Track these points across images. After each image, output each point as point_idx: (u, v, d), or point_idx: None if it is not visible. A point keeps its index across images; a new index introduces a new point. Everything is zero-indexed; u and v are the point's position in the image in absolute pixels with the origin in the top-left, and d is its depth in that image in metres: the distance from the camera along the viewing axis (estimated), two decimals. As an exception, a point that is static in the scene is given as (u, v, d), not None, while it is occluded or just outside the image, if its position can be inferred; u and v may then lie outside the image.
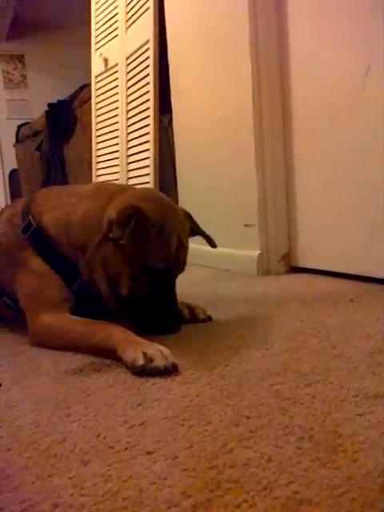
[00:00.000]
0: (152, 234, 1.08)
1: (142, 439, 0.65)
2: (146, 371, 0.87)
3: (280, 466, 0.57)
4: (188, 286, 1.38)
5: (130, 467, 0.59)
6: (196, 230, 1.29)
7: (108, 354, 0.98)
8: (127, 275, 1.10)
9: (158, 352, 0.89)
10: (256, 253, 1.96)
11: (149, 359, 0.88)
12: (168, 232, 1.11)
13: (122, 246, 1.08)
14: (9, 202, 5.83)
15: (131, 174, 2.92)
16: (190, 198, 2.46)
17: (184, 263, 1.19)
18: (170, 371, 0.87)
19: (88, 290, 1.18)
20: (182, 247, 1.15)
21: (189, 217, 1.27)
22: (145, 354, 0.88)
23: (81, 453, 0.63)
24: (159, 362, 0.87)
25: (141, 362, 0.88)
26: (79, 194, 1.24)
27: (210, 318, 1.24)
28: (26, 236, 1.20)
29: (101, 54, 3.28)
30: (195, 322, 1.22)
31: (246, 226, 2.01)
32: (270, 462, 0.58)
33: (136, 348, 0.91)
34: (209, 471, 0.57)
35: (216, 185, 2.23)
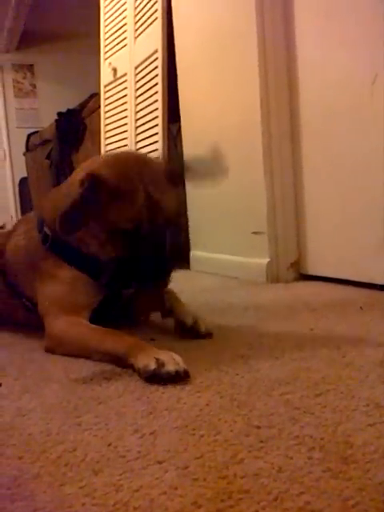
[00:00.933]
0: (106, 195, 1.07)
1: (152, 449, 0.66)
2: (157, 376, 0.88)
3: (291, 476, 0.57)
4: (197, 294, 1.38)
5: (140, 477, 0.59)
6: (191, 176, 1.26)
7: (119, 361, 0.98)
8: (105, 237, 1.13)
9: (170, 358, 0.90)
10: (265, 260, 1.95)
11: (161, 364, 0.88)
12: (129, 190, 1.08)
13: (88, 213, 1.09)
14: (19, 209, 5.89)
15: (140, 182, 2.94)
16: (198, 206, 2.47)
17: (167, 220, 1.14)
18: (181, 377, 0.87)
19: (116, 283, 1.19)
20: (157, 205, 1.10)
21: (180, 168, 1.24)
22: (157, 360, 0.89)
23: (92, 462, 0.63)
24: (171, 367, 0.88)
25: (152, 366, 0.88)
26: (66, 184, 1.26)
27: (210, 335, 1.18)
28: (47, 247, 1.23)
29: (110, 63, 3.31)
30: (195, 334, 1.17)
31: (255, 233, 2.02)
32: (280, 472, 0.58)
33: (148, 354, 0.92)
34: (219, 481, 0.57)
35: (224, 192, 2.24)
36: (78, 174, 1.20)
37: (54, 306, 1.18)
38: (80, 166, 1.30)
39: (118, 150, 1.29)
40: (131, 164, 1.14)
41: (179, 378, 0.87)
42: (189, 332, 1.18)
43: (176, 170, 1.24)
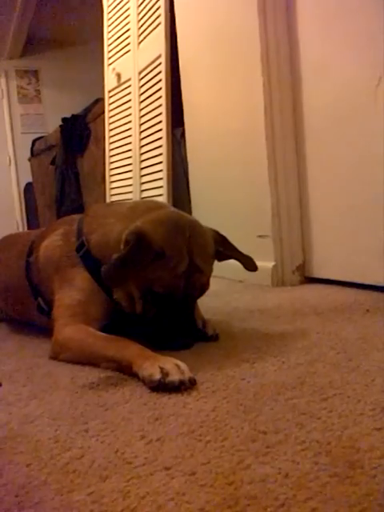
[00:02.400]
0: (149, 257, 1.08)
1: (159, 455, 0.66)
2: (162, 386, 0.87)
3: (298, 481, 0.57)
4: (202, 297, 1.38)
5: (148, 483, 0.59)
6: (228, 254, 1.25)
7: (124, 369, 0.98)
8: (137, 295, 1.13)
9: (175, 367, 0.89)
10: (270, 264, 1.95)
11: (165, 374, 0.88)
12: (173, 256, 1.09)
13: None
14: (24, 214, 5.92)
15: (144, 186, 2.95)
16: (203, 210, 2.47)
17: (201, 288, 1.17)
18: (187, 386, 0.87)
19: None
20: (197, 272, 1.13)
21: (221, 240, 1.23)
22: (162, 369, 0.89)
23: (99, 468, 0.64)
24: (175, 377, 0.88)
25: (157, 376, 0.88)
26: (117, 213, 1.26)
27: (216, 337, 1.20)
28: (80, 255, 1.24)
29: (114, 69, 3.33)
30: (202, 336, 1.19)
31: (260, 237, 2.02)
32: (287, 477, 0.58)
33: (153, 363, 0.91)
34: (226, 487, 0.57)
35: (229, 196, 2.24)
36: (129, 216, 1.19)
37: (68, 312, 1.19)
38: (133, 205, 1.29)
39: (171, 210, 1.27)
40: (182, 229, 1.13)
41: (184, 386, 0.87)
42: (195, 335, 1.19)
43: (221, 238, 1.23)
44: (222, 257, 1.24)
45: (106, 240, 1.21)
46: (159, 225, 1.13)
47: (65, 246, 1.29)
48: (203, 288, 1.18)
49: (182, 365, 0.90)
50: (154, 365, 0.90)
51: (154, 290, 1.11)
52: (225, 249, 1.24)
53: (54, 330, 1.18)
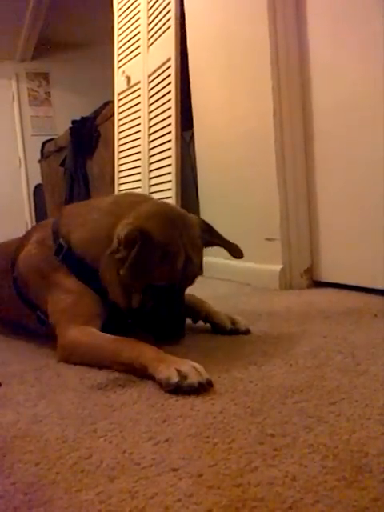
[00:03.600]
0: (156, 256, 1.11)
1: (167, 456, 0.66)
2: (180, 389, 0.86)
3: (305, 485, 0.57)
4: (210, 300, 1.38)
5: (155, 484, 0.60)
6: (214, 241, 1.29)
7: (138, 372, 0.98)
8: (138, 290, 1.14)
9: (192, 369, 0.88)
10: (278, 267, 1.95)
11: (183, 376, 0.87)
12: (174, 252, 1.13)
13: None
14: (33, 216, 5.96)
15: (153, 189, 2.96)
16: (211, 212, 2.47)
17: (193, 277, 1.22)
18: (205, 388, 0.87)
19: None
20: (191, 263, 1.17)
21: (207, 228, 1.28)
22: (179, 372, 0.88)
23: (107, 469, 0.64)
24: (194, 379, 0.87)
25: (175, 379, 0.87)
26: (99, 209, 1.26)
27: (248, 331, 1.26)
28: (60, 258, 1.23)
29: (123, 71, 3.34)
30: (237, 334, 1.25)
31: (268, 239, 2.02)
32: (294, 480, 0.58)
33: (169, 365, 0.90)
34: (234, 489, 0.57)
35: (237, 198, 2.25)
36: (114, 210, 1.21)
37: (65, 315, 1.18)
38: (114, 200, 1.31)
39: (158, 202, 1.31)
40: (175, 223, 1.17)
41: (203, 388, 0.87)
42: (228, 334, 1.25)
43: (207, 227, 1.28)
44: (207, 244, 1.28)
45: (93, 236, 1.21)
46: (156, 221, 1.15)
47: (42, 252, 1.28)
48: (194, 277, 1.22)
49: (199, 366, 0.90)
50: (170, 367, 0.90)
51: (155, 284, 1.13)
52: (211, 237, 1.28)
53: (57, 337, 1.17)
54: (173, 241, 1.13)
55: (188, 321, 1.34)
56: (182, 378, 0.87)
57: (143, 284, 1.14)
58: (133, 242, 1.08)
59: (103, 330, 1.16)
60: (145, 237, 1.09)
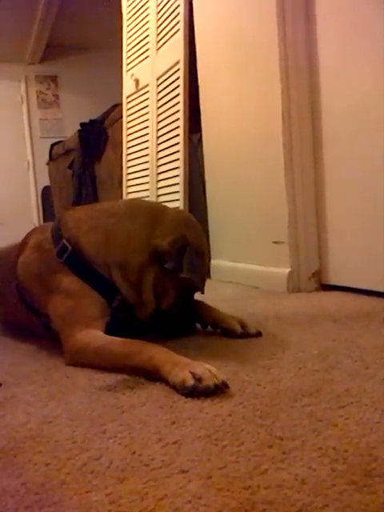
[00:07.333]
0: (198, 261, 1.21)
1: (176, 458, 0.66)
2: (196, 391, 0.86)
3: (314, 488, 0.57)
4: (218, 303, 1.39)
5: (165, 485, 0.60)
6: None
7: (150, 375, 0.97)
8: (174, 295, 1.22)
9: (207, 371, 0.87)
10: (286, 270, 1.95)
11: (198, 379, 0.86)
12: (203, 252, 1.26)
13: (171, 272, 1.18)
14: (41, 217, 5.99)
15: (161, 191, 2.96)
16: (219, 215, 2.48)
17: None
18: (221, 390, 0.86)
19: (125, 305, 1.22)
20: (209, 261, 1.28)
21: None
22: (193, 374, 0.87)
23: (117, 470, 0.65)
24: (209, 382, 0.86)
25: (191, 382, 0.86)
26: (115, 213, 1.27)
27: (260, 333, 1.28)
28: (62, 260, 1.23)
29: (132, 74, 3.36)
30: (247, 337, 1.26)
31: (276, 242, 2.02)
32: (304, 484, 0.58)
33: (182, 368, 0.89)
34: (243, 492, 0.57)
35: (245, 202, 2.25)
36: (137, 215, 1.27)
37: (67, 319, 1.17)
38: (131, 205, 1.38)
39: (175, 210, 1.47)
40: (198, 226, 1.32)
41: (219, 390, 0.86)
42: (239, 337, 1.26)
43: None
44: None
45: (111, 238, 1.23)
46: (187, 226, 1.26)
47: (40, 256, 1.28)
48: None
49: (213, 368, 0.89)
50: (184, 370, 0.89)
51: (193, 286, 1.25)
52: None
53: (62, 341, 1.17)
54: (202, 242, 1.29)
55: (197, 326, 1.35)
56: (198, 381, 0.86)
57: (184, 287, 1.23)
58: (182, 250, 1.17)
59: (106, 332, 1.16)
60: (189, 242, 1.19)
